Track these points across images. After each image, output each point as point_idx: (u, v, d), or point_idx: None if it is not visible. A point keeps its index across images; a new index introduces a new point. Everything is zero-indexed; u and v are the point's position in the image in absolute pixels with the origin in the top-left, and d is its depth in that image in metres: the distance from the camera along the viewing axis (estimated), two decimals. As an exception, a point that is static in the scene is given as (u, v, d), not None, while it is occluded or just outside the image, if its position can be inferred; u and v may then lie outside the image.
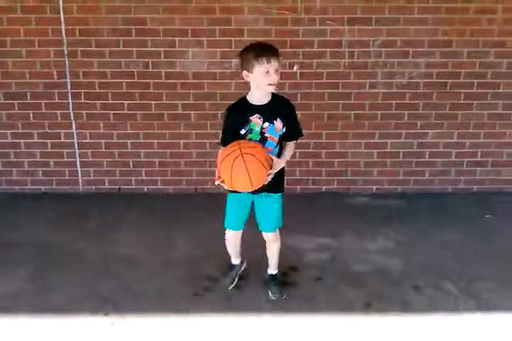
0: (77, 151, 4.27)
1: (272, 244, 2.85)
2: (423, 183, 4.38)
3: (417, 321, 2.67)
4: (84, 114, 4.18)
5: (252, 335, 2.57)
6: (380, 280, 3.04)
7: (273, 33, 3.97)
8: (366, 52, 4.05)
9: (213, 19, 3.96)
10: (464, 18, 3.97)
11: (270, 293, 2.87)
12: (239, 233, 2.85)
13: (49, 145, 4.25)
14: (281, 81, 2.65)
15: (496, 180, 4.39)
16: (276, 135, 2.55)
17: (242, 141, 2.47)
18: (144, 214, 3.97)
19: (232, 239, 2.89)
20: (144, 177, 4.35)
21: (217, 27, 3.97)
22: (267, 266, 2.97)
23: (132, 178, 4.35)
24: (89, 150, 4.27)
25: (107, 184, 4.37)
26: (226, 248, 2.96)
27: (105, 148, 4.27)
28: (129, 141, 4.25)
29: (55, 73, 4.07)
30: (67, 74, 4.07)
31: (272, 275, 2.96)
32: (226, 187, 2.49)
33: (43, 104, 4.15)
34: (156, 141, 4.25)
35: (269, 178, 2.45)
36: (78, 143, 4.25)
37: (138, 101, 4.15)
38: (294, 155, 2.74)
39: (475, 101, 4.18)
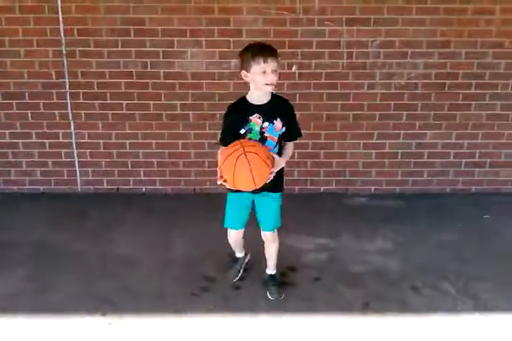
0: (75, 151, 4.27)
1: (271, 244, 2.85)
2: (421, 184, 4.39)
3: (415, 321, 2.67)
4: (83, 114, 4.17)
5: (250, 335, 2.57)
6: (378, 280, 3.04)
7: (272, 34, 3.97)
8: (365, 53, 4.05)
9: (212, 19, 3.96)
10: (462, 19, 3.98)
11: (268, 293, 2.87)
12: (240, 232, 2.85)
13: (47, 145, 4.25)
14: (280, 81, 2.64)
15: (494, 180, 4.39)
16: (276, 134, 2.55)
17: (244, 140, 2.47)
18: (143, 214, 3.97)
19: (234, 238, 2.90)
20: (143, 178, 4.35)
21: (215, 27, 3.98)
22: (265, 266, 2.97)
23: (131, 178, 4.35)
24: (88, 150, 4.27)
25: (105, 184, 4.36)
26: (228, 243, 2.96)
27: (103, 148, 4.26)
28: (128, 141, 4.25)
29: (53, 73, 4.07)
30: (66, 74, 4.07)
31: (270, 275, 2.96)
32: (228, 187, 2.49)
33: (41, 103, 4.15)
34: (154, 141, 4.25)
35: (271, 177, 2.45)
36: (76, 143, 4.25)
37: (136, 102, 4.15)
38: (292, 156, 2.74)
39: (473, 102, 4.18)
